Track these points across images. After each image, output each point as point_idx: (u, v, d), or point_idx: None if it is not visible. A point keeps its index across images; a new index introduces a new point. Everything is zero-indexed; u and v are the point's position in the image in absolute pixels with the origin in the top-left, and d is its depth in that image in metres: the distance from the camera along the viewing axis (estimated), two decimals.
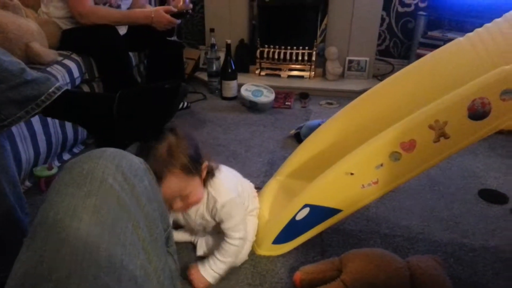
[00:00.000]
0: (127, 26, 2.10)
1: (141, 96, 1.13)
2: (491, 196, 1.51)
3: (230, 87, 2.62)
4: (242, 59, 2.96)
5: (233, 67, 2.59)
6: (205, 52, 2.90)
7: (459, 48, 1.24)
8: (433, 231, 1.36)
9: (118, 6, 2.04)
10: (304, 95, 2.67)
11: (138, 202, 0.61)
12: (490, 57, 1.18)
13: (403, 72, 1.41)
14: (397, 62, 2.95)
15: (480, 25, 1.30)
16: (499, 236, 1.33)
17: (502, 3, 2.24)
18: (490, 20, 1.29)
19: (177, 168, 0.99)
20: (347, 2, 2.74)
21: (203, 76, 2.86)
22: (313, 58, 2.88)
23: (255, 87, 2.55)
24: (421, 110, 1.01)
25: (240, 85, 2.56)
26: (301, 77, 2.94)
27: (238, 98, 2.61)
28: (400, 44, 2.96)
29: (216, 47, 2.66)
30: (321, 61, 2.91)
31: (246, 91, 2.50)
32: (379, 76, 2.91)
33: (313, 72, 2.91)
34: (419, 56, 2.29)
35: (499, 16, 1.28)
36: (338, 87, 2.78)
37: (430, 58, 1.32)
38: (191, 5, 2.12)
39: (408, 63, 2.60)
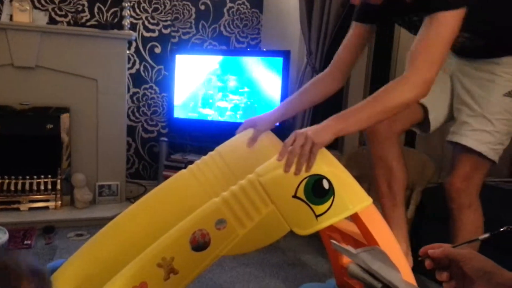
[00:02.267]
0: None
1: None
2: None
3: None
4: None
5: None
6: None
7: (183, 180, 1.35)
8: None
9: None
10: (48, 229, 2.38)
11: None
12: (211, 187, 1.33)
13: (142, 201, 1.42)
14: (148, 183, 3.04)
15: (213, 148, 1.46)
16: None
17: (227, 130, 2.66)
18: (220, 143, 1.47)
19: None
20: (89, 129, 2.72)
21: None
22: (58, 187, 2.67)
23: None
24: (147, 249, 1.01)
25: None
26: (46, 208, 2.65)
27: None
28: (148, 167, 3.09)
29: None
30: (69, 187, 2.72)
31: None
32: (132, 199, 2.91)
33: (60, 202, 2.68)
34: (166, 177, 2.42)
35: (225, 139, 1.48)
36: (89, 215, 2.62)
37: (161, 190, 1.39)
38: None
39: (158, 184, 2.72)
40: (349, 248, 1.22)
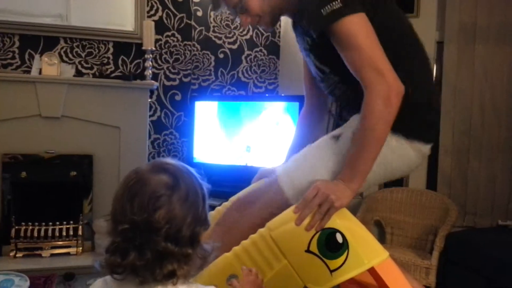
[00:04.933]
0: None
1: None
2: None
3: None
4: None
5: None
6: None
7: None
8: None
9: None
10: (68, 277, 2.40)
11: None
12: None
13: None
14: None
15: (232, 193, 1.46)
16: None
17: (245, 175, 2.67)
18: (239, 187, 1.46)
19: None
20: (111, 175, 2.78)
21: None
22: (79, 233, 2.70)
23: (4, 276, 2.17)
24: None
25: None
26: (67, 254, 2.68)
27: None
28: None
29: None
30: (91, 233, 2.75)
31: None
32: None
33: (81, 248, 2.70)
34: None
35: (244, 184, 1.47)
36: None
37: None
38: None
39: None
40: None
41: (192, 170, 0.85)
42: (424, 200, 2.53)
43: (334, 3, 1.05)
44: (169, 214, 0.74)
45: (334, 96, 1.34)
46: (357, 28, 1.06)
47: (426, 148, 1.21)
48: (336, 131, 1.25)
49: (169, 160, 0.84)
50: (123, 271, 0.74)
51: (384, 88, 1.04)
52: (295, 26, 1.30)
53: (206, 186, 0.85)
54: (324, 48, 1.16)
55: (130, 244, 0.74)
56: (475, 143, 2.61)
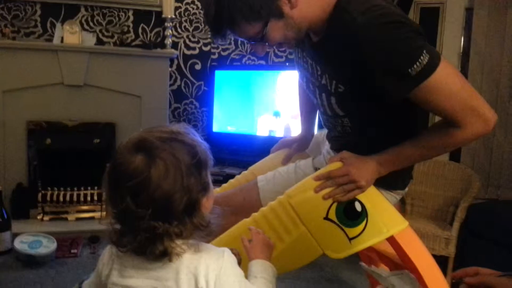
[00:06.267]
0: None
1: None
2: None
3: (1, 239, 2.27)
4: (21, 204, 2.66)
5: (5, 216, 2.29)
6: None
7: None
8: None
9: None
10: (93, 239, 2.49)
11: None
12: None
13: None
14: None
15: (250, 162, 1.48)
16: None
17: (264, 144, 2.67)
18: (257, 156, 1.50)
19: None
20: None
21: None
22: (103, 198, 2.78)
23: (33, 237, 2.27)
24: None
25: (16, 236, 2.25)
26: (92, 218, 2.77)
27: (12, 252, 2.25)
28: None
29: None
30: None
31: (22, 243, 2.21)
32: None
33: (105, 212, 2.79)
34: None
35: (263, 153, 1.50)
36: None
37: None
38: None
39: None
40: (380, 270, 1.18)
41: (181, 133, 0.77)
42: (446, 172, 2.49)
43: (422, 58, 0.91)
44: (150, 197, 0.70)
45: (329, 129, 1.25)
46: (448, 73, 0.96)
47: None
48: (319, 164, 1.25)
49: (149, 131, 0.77)
50: (125, 246, 0.75)
51: (482, 125, 0.98)
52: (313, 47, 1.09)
53: (200, 149, 0.76)
54: (356, 97, 1.07)
55: (123, 226, 0.74)
56: (501, 114, 2.54)
